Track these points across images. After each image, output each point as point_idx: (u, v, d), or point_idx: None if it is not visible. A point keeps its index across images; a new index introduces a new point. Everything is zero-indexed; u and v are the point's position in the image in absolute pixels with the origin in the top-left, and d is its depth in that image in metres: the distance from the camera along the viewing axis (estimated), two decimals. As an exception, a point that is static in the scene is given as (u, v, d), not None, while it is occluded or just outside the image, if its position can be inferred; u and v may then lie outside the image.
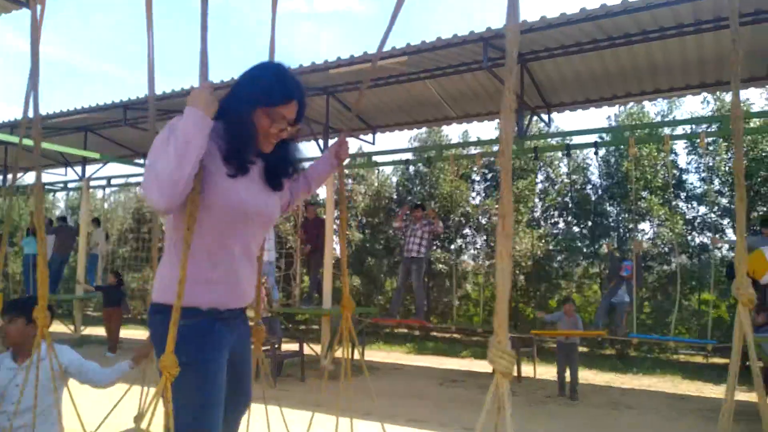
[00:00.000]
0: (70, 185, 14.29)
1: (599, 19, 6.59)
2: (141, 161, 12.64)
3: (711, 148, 11.13)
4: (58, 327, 12.65)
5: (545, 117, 9.62)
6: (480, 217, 13.21)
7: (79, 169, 13.51)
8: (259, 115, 1.85)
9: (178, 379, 1.66)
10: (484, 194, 13.66)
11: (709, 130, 8.97)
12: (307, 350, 9.12)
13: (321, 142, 10.11)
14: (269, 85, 1.86)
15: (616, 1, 6.20)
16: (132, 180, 13.59)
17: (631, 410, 7.21)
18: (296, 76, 1.97)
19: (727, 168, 11.11)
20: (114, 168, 13.62)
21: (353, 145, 13.11)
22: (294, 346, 9.29)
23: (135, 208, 17.65)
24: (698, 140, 9.55)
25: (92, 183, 13.14)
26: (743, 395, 8.33)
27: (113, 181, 13.46)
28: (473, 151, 11.00)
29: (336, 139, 2.49)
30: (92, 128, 11.74)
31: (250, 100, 1.85)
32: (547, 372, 9.95)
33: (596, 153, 8.49)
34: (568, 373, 7.73)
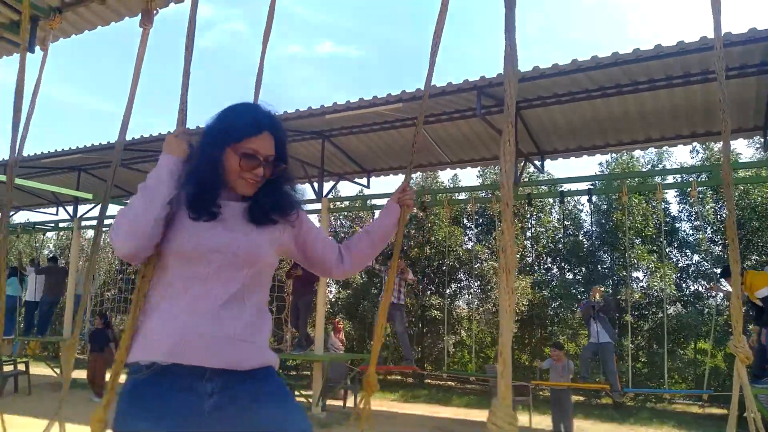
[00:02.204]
0: (60, 225, 14.19)
1: (590, 70, 6.72)
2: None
3: (701, 196, 11.24)
4: (44, 370, 12.36)
5: (538, 163, 9.70)
6: (473, 261, 13.17)
7: (70, 208, 13.45)
8: (229, 155, 1.65)
9: None
10: (476, 239, 13.66)
11: (699, 179, 9.06)
12: (297, 398, 8.91)
13: (316, 185, 10.14)
14: (235, 118, 1.69)
15: (607, 53, 6.34)
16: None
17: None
18: (269, 111, 1.76)
19: (719, 216, 11.18)
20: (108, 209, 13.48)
21: (349, 188, 13.15)
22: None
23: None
24: (689, 189, 9.68)
25: (83, 223, 13.06)
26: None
27: (105, 221, 13.36)
28: (463, 196, 11.03)
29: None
30: (85, 168, 11.75)
31: (218, 139, 1.66)
32: (543, 421, 9.75)
33: (590, 200, 8.53)
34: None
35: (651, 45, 6.20)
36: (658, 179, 10.82)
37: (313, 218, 16.25)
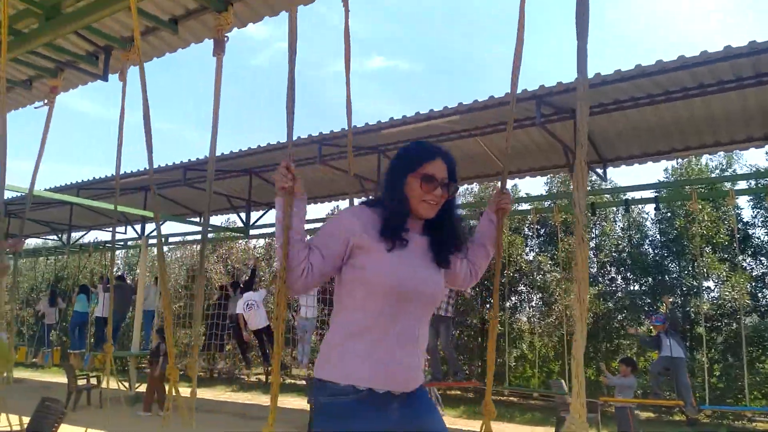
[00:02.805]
0: (129, 243, 14.77)
1: (654, 75, 6.51)
2: (196, 219, 13.00)
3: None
4: (111, 384, 12.83)
5: (600, 171, 9.45)
6: (534, 273, 12.90)
7: (138, 227, 13.99)
8: (409, 183, 1.93)
9: None
10: (538, 249, 13.40)
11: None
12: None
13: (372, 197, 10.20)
14: (411, 151, 2.02)
15: (673, 56, 6.14)
16: (189, 237, 13.93)
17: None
18: (434, 145, 2.07)
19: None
20: (171, 226, 14.05)
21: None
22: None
23: (189, 264, 18.07)
24: (765, 194, 9.21)
25: (150, 241, 13.56)
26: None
27: (171, 239, 13.85)
28: (524, 206, 10.84)
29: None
30: (149, 188, 12.20)
31: (399, 171, 1.96)
32: (612, 440, 9.41)
33: (657, 208, 8.23)
34: None
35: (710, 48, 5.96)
36: (728, 185, 10.36)
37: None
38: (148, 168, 3.26)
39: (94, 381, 11.43)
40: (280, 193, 1.92)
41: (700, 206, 10.98)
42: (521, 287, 13.22)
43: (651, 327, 8.22)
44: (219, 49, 3.03)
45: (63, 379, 11.41)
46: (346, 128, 8.58)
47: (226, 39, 3.15)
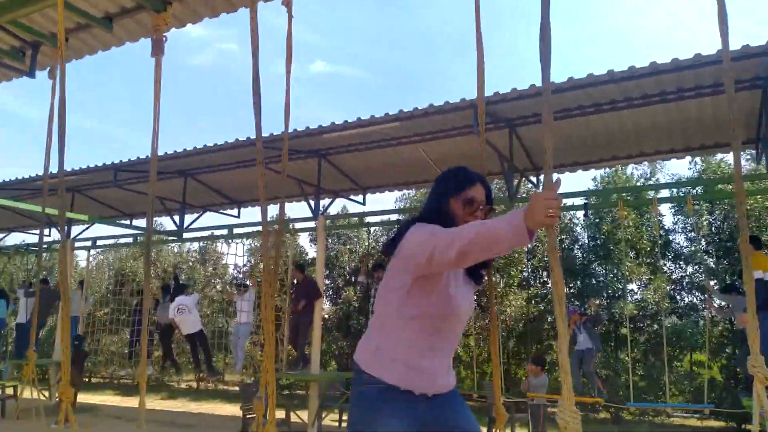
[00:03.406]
0: (53, 246, 14.04)
1: (585, 87, 6.79)
2: (127, 221, 12.52)
3: (696, 208, 11.32)
4: (32, 394, 12.14)
5: (534, 179, 9.76)
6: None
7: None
8: (453, 204, 2.12)
9: None
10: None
11: (696, 192, 9.16)
12: (293, 417, 8.83)
13: (312, 202, 10.13)
14: (454, 176, 2.21)
15: (603, 70, 6.43)
16: (121, 240, 13.39)
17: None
18: (475, 172, 2.24)
19: (713, 228, 11.27)
20: (99, 229, 13.46)
21: (336, 205, 13.16)
22: (281, 414, 8.99)
23: (117, 268, 17.34)
24: (684, 203, 9.74)
25: (77, 244, 12.93)
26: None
27: (99, 242, 13.25)
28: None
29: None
30: (79, 189, 11.67)
31: (444, 194, 2.16)
32: (543, 438, 9.71)
33: (586, 215, 8.60)
34: None
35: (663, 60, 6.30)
36: (652, 193, 10.93)
37: (302, 235, 16.09)
38: (58, 169, 3.10)
39: (10, 391, 10.79)
40: (532, 226, 1.68)
41: (626, 213, 11.54)
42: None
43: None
44: (158, 50, 2.94)
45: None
46: (286, 131, 8.51)
47: (164, 39, 3.06)
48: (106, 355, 15.53)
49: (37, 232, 14.36)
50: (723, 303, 8.20)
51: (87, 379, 18.22)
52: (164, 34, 3.18)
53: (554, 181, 1.74)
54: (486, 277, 2.32)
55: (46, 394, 12.19)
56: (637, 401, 9.83)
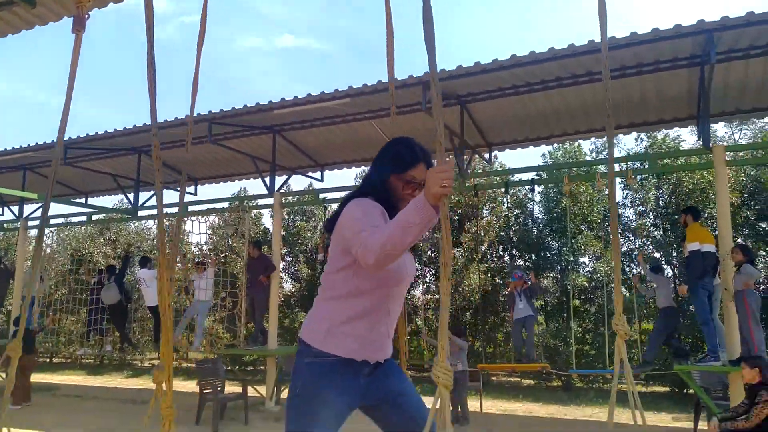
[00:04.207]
0: (6, 225, 13.77)
1: (528, 65, 6.93)
2: (81, 200, 12.34)
3: (644, 183, 11.69)
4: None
5: (486, 155, 9.94)
6: (429, 250, 13.38)
7: (16, 208, 13.07)
8: (393, 181, 2.14)
9: (287, 406, 2.12)
10: (431, 229, 13.87)
11: (640, 167, 9.44)
12: (251, 392, 8.96)
13: (267, 179, 10.13)
14: (397, 153, 2.18)
15: (544, 48, 6.57)
16: (73, 219, 13.21)
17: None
18: (421, 145, 2.21)
19: (660, 202, 11.65)
20: (53, 207, 13.24)
21: (301, 182, 13.13)
22: (238, 389, 9.13)
23: (75, 248, 17.07)
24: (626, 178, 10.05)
25: (30, 223, 12.71)
26: (676, 422, 8.65)
27: (52, 221, 13.04)
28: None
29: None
30: (31, 167, 11.44)
31: (386, 170, 2.16)
32: (494, 405, 10.08)
33: (532, 190, 8.83)
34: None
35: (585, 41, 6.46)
36: (602, 168, 11.21)
37: (266, 213, 16.18)
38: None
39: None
40: (433, 200, 1.73)
41: (583, 187, 11.84)
42: (416, 265, 13.68)
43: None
44: (79, 26, 2.92)
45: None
46: (238, 107, 8.47)
47: (87, 17, 3.05)
48: (66, 335, 15.38)
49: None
50: (651, 281, 8.57)
51: (49, 360, 18.08)
52: (87, 12, 3.16)
53: (447, 159, 1.80)
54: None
55: (3, 375, 12.07)
56: (582, 368, 10.25)
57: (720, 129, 19.32)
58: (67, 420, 8.42)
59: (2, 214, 13.93)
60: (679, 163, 10.32)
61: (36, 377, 12.95)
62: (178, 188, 12.04)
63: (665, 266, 11.85)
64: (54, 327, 13.17)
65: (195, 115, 8.58)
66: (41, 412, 8.83)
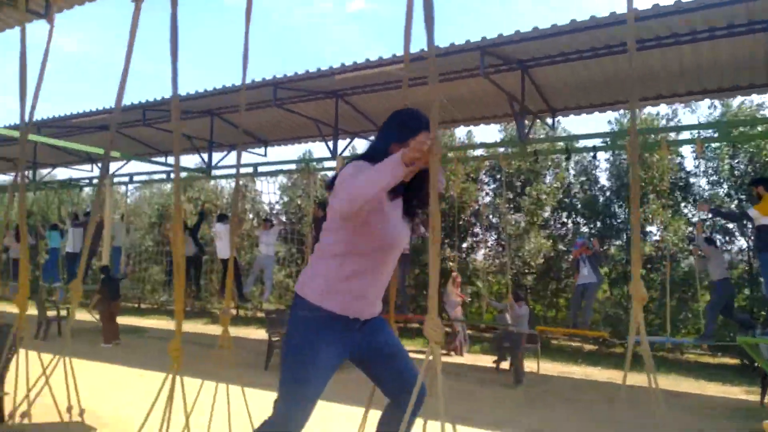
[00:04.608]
0: (95, 181, 14.91)
1: (588, 30, 6.76)
2: (161, 159, 13.15)
3: (717, 152, 11.13)
4: (82, 315, 13.29)
5: (549, 121, 9.77)
6: (491, 216, 13.40)
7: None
8: (394, 149, 2.15)
9: (283, 355, 2.30)
10: (493, 194, 13.86)
11: (711, 135, 9.03)
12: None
13: (330, 144, 10.44)
14: (401, 122, 2.28)
15: (605, 13, 6.38)
16: (155, 177, 14.10)
17: (634, 406, 7.41)
18: (427, 116, 2.14)
19: (735, 172, 11.08)
20: (136, 165, 14.17)
21: (364, 146, 13.41)
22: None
23: (160, 204, 18.22)
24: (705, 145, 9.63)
25: (115, 179, 13.71)
26: (744, 395, 8.46)
27: (135, 178, 14.02)
28: (478, 152, 11.20)
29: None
30: (116, 128, 12.28)
31: (389, 138, 2.26)
32: (552, 368, 10.18)
33: (594, 157, 8.65)
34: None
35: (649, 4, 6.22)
36: (672, 135, 10.76)
37: (330, 175, 16.61)
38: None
39: (64, 313, 11.88)
40: (407, 160, 1.89)
41: (653, 156, 11.42)
42: (477, 229, 13.76)
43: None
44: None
45: (34, 312, 11.82)
46: (302, 72, 8.73)
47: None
48: (151, 283, 16.63)
49: (78, 167, 15.27)
50: (702, 253, 8.27)
51: (137, 306, 19.60)
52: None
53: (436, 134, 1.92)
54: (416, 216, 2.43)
55: (97, 316, 13.31)
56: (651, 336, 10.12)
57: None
58: (152, 359, 9.24)
59: (91, 171, 15.10)
60: (758, 131, 9.70)
61: (126, 320, 14.20)
62: (249, 150, 12.61)
63: (740, 237, 11.37)
64: (134, 276, 14.31)
65: (261, 80, 8.96)
66: (127, 351, 9.75)
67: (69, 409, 3.49)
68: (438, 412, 1.78)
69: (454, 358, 11.15)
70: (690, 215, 11.83)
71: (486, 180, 13.92)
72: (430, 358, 1.80)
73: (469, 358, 11.12)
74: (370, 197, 1.95)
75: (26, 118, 3.73)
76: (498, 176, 13.58)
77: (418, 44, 6.08)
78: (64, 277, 13.59)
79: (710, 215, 8.11)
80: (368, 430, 2.73)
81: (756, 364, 10.45)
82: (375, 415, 2.65)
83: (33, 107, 3.78)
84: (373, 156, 2.23)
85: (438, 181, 2.28)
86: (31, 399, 3.37)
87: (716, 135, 8.67)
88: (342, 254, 2.24)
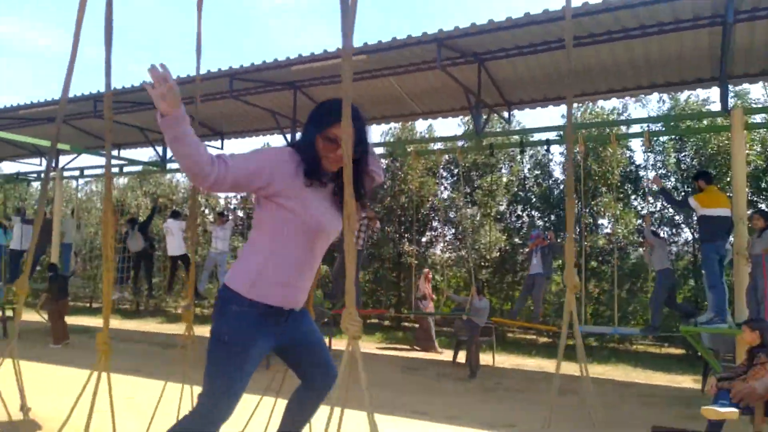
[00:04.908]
0: (43, 175, 14.41)
1: (543, 23, 6.89)
2: (114, 152, 12.79)
3: (665, 145, 11.51)
4: (32, 316, 12.83)
5: (506, 114, 9.93)
6: (447, 210, 13.53)
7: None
8: (317, 140, 2.21)
9: (211, 349, 2.23)
10: (450, 189, 14.00)
11: (660, 129, 9.33)
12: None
13: (288, 136, 10.35)
14: (322, 112, 2.27)
15: (557, 7, 6.51)
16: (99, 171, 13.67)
17: (575, 395, 7.60)
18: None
19: (682, 165, 11.48)
20: (88, 159, 13.78)
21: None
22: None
23: (114, 198, 17.67)
24: (653, 138, 9.92)
25: (66, 173, 13.27)
26: (691, 383, 8.78)
27: (87, 172, 13.61)
28: (438, 146, 11.29)
29: None
30: (63, 119, 11.88)
31: (311, 128, 2.26)
32: (507, 361, 10.35)
33: (547, 150, 8.83)
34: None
35: (600, -1, 6.38)
36: (623, 129, 11.07)
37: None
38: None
39: (10, 313, 11.45)
40: (162, 110, 1.94)
41: (606, 149, 11.74)
42: (435, 224, 13.87)
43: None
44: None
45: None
46: (259, 62, 8.63)
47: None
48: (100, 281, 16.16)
49: (26, 161, 14.73)
50: (648, 242, 8.51)
51: (89, 305, 19.05)
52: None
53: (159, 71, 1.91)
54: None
55: (46, 317, 12.86)
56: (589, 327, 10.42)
57: (756, 90, 18.58)
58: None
59: (40, 164, 14.57)
60: (704, 124, 10.11)
61: (76, 320, 13.77)
62: (206, 143, 12.38)
63: (685, 229, 11.80)
64: (85, 273, 13.89)
65: (216, 70, 8.82)
66: (77, 352, 9.46)
67: (22, 408, 3.41)
68: (363, 403, 1.81)
69: (411, 353, 11.23)
70: (639, 208, 12.19)
71: (444, 174, 14.05)
72: (353, 351, 1.82)
73: (432, 353, 11.22)
74: (186, 168, 2.00)
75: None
76: (455, 170, 13.74)
77: (375, 35, 6.09)
78: (6, 276, 13.06)
79: (660, 194, 8.32)
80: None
81: (700, 354, 10.90)
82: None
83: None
84: (299, 146, 2.26)
85: (376, 174, 2.50)
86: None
87: (664, 129, 8.95)
88: (272, 244, 2.23)
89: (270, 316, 2.25)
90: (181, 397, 3.60)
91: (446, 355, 10.59)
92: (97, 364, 2.62)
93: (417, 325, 14.35)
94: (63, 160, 13.53)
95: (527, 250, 9.68)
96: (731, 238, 7.39)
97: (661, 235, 9.31)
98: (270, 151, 2.24)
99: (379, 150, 11.91)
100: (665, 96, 11.58)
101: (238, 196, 17.24)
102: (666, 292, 8.07)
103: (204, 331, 13.84)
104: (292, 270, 2.24)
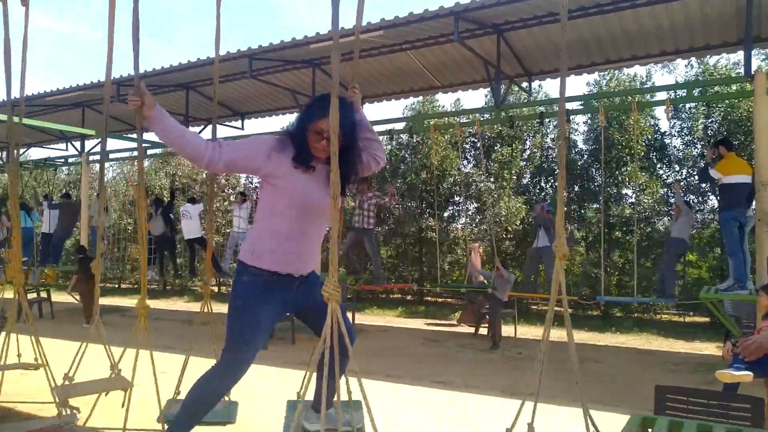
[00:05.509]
0: (70, 160, 14.67)
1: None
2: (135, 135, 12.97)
3: (693, 112, 11.27)
4: (65, 297, 13.20)
5: (526, 85, 9.81)
6: (469, 185, 13.49)
7: (78, 144, 13.87)
8: (307, 131, 2.49)
9: (229, 313, 2.59)
10: (473, 162, 13.93)
11: (685, 95, 9.14)
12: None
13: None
14: (313, 105, 2.57)
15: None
16: (134, 153, 13.90)
17: (598, 364, 7.65)
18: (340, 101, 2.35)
19: (709, 131, 11.26)
20: (114, 142, 13.97)
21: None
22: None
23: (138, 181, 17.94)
24: (678, 105, 9.72)
25: (91, 157, 13.50)
26: (714, 350, 8.75)
27: (112, 155, 13.82)
28: (465, 119, 11.19)
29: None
30: (89, 104, 12.06)
31: (302, 120, 2.54)
32: (529, 332, 10.41)
33: (568, 120, 8.72)
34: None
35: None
36: (647, 97, 10.85)
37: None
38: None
39: (44, 295, 11.81)
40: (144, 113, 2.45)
41: (629, 118, 11.54)
42: (457, 198, 13.84)
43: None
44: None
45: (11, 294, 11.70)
46: (276, 42, 8.65)
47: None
48: (131, 262, 16.52)
49: (56, 147, 15.00)
50: (677, 208, 8.43)
51: (117, 286, 19.50)
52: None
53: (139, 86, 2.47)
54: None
55: (78, 297, 13.22)
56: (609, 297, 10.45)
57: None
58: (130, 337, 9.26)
59: (66, 150, 14.84)
60: (733, 89, 9.83)
61: (107, 301, 14.14)
62: (227, 123, 12.49)
63: (711, 197, 11.60)
64: (113, 255, 14.22)
65: (235, 51, 8.85)
66: (109, 329, 9.72)
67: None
68: (368, 370, 1.93)
69: (431, 326, 11.32)
70: (665, 177, 12.02)
71: (467, 148, 13.96)
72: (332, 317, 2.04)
73: (450, 326, 11.31)
74: (180, 148, 2.42)
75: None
76: (478, 144, 13.65)
77: (392, 11, 6.05)
78: (38, 259, 13.41)
79: (697, 175, 8.21)
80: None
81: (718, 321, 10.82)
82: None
83: (22, 87, 4.05)
84: (291, 135, 2.57)
85: (378, 157, 2.79)
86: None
87: (686, 95, 8.77)
88: (267, 218, 2.56)
89: (276, 283, 2.56)
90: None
91: (464, 328, 10.68)
92: (138, 324, 3.20)
93: (439, 299, 14.48)
94: (88, 144, 13.76)
95: (536, 215, 9.71)
96: (753, 204, 7.28)
97: (691, 204, 9.19)
98: (262, 139, 2.56)
99: (399, 125, 11.91)
100: (693, 60, 11.30)
101: (257, 178, 17.42)
102: (675, 258, 8.07)
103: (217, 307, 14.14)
104: (283, 238, 2.52)
